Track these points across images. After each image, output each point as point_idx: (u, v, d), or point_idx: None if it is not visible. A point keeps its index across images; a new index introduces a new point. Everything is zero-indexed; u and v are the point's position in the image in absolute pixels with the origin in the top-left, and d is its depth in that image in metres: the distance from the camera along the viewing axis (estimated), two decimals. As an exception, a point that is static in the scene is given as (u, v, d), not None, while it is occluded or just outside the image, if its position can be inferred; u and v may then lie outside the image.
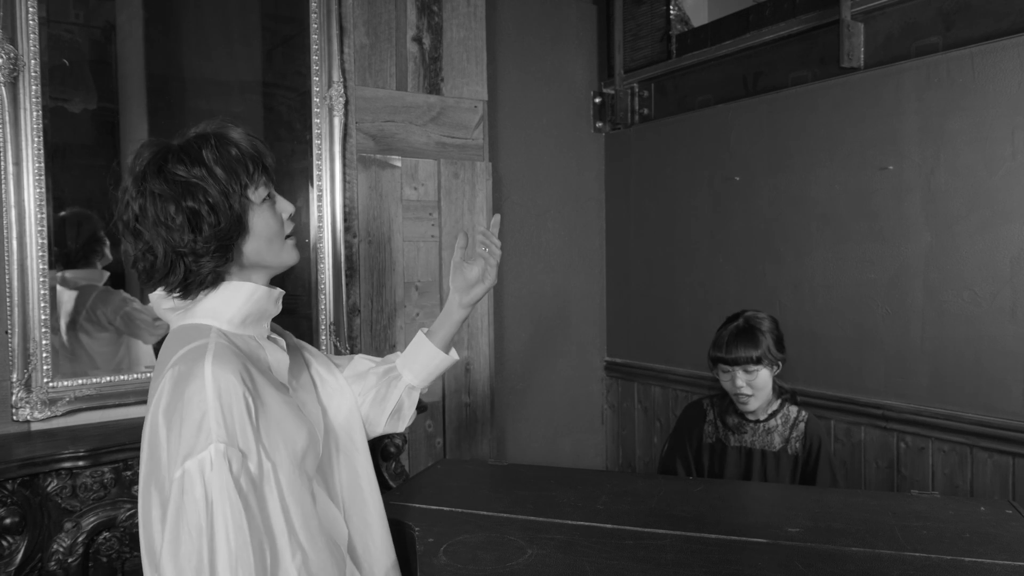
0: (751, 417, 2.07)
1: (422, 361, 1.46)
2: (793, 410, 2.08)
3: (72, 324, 2.10)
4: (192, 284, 1.16)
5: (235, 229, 1.16)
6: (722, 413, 2.12)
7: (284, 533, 1.11)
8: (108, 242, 2.15)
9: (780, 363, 2.06)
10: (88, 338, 2.13)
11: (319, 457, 1.26)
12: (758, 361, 1.98)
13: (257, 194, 1.19)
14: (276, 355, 1.24)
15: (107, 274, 2.14)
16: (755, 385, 2.00)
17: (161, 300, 1.21)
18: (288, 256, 1.25)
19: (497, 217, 1.50)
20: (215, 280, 1.17)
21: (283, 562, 1.10)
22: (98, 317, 2.14)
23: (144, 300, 2.17)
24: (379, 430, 1.48)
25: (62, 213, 2.07)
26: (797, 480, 2.04)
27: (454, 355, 1.50)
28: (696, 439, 2.13)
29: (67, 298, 2.10)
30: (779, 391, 2.10)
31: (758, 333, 2.02)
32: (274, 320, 1.36)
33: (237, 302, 1.18)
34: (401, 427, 1.50)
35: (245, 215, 1.17)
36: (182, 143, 1.17)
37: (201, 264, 1.14)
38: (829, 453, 2.05)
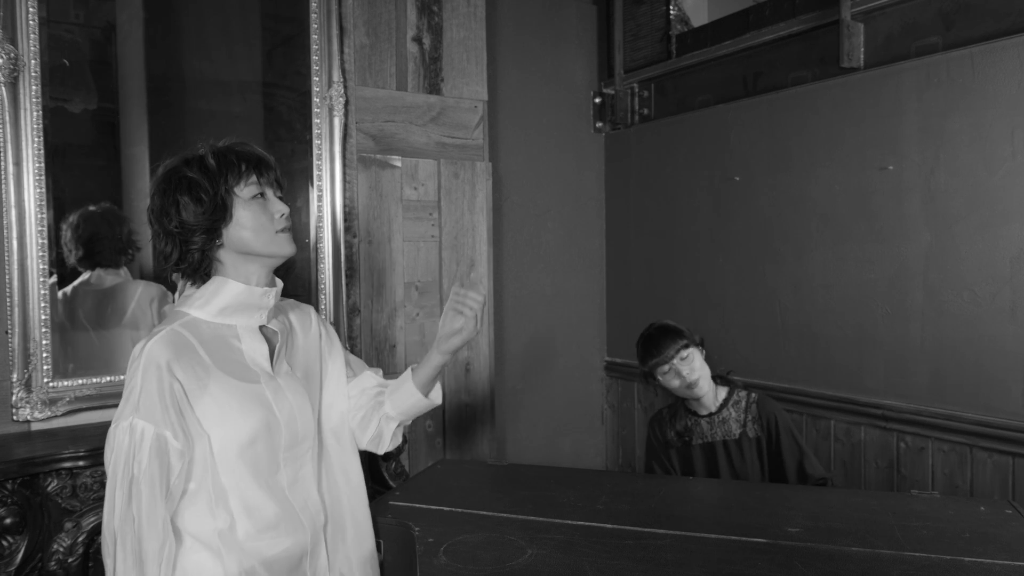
0: (703, 412, 2.11)
1: (402, 396, 1.55)
2: (743, 395, 2.13)
3: (118, 319, 2.14)
4: (189, 267, 1.36)
5: (219, 215, 1.34)
6: (675, 421, 2.16)
7: (213, 499, 1.31)
8: (136, 243, 2.17)
9: (702, 342, 2.14)
10: (135, 332, 2.16)
11: (277, 440, 1.38)
12: (686, 346, 2.08)
13: (245, 191, 1.36)
14: (253, 344, 1.39)
15: (126, 272, 2.18)
16: (695, 367, 2.07)
17: (184, 289, 1.41)
18: (279, 247, 1.38)
19: (477, 270, 1.56)
20: (202, 259, 1.36)
21: (204, 524, 1.30)
22: (142, 311, 2.17)
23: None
24: (362, 446, 1.59)
25: (92, 208, 2.11)
26: (766, 462, 2.06)
27: (434, 399, 1.58)
28: (665, 446, 2.16)
29: (101, 296, 2.13)
30: (718, 379, 2.15)
31: (669, 328, 2.12)
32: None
33: (218, 296, 1.36)
34: (380, 451, 1.60)
35: (230, 205, 1.35)
36: (195, 152, 1.37)
37: (191, 243, 1.34)
38: (788, 426, 2.08)
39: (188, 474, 1.30)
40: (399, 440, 1.62)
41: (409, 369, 1.57)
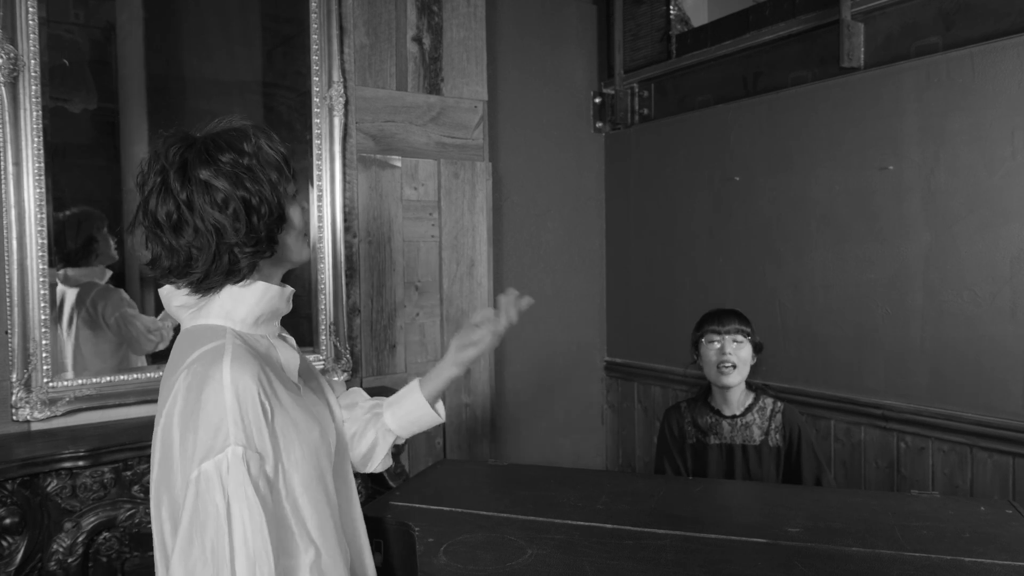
0: (727, 412, 2.09)
1: (406, 407, 1.44)
2: (769, 402, 2.10)
3: (70, 321, 2.11)
4: (228, 274, 1.14)
5: (279, 220, 1.15)
6: (695, 416, 2.14)
7: (296, 532, 1.11)
8: (112, 241, 2.16)
9: (759, 351, 2.12)
10: (89, 333, 2.14)
11: (332, 456, 1.26)
12: (748, 334, 2.07)
13: (291, 187, 1.19)
14: (287, 354, 1.23)
15: (109, 272, 2.15)
16: (740, 357, 2.05)
17: (172, 296, 1.18)
18: (306, 252, 1.26)
19: (527, 300, 1.49)
20: (249, 272, 1.15)
21: (293, 559, 1.10)
22: (97, 313, 2.14)
23: (146, 307, 2.17)
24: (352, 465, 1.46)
25: (68, 212, 2.08)
26: (782, 472, 2.05)
27: (440, 414, 1.46)
28: (680, 440, 2.14)
29: (69, 295, 2.11)
30: (749, 385, 2.13)
31: (741, 314, 2.12)
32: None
33: (250, 302, 1.17)
34: (368, 469, 1.46)
35: (286, 207, 1.17)
36: (216, 133, 1.14)
37: (245, 254, 1.12)
38: (811, 440, 2.07)
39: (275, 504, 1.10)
40: (390, 461, 1.48)
41: (415, 380, 1.46)
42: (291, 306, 1.26)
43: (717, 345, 2.06)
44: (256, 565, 1.01)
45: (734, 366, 2.04)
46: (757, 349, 2.11)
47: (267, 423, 1.07)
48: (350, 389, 1.53)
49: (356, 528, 1.36)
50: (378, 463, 1.45)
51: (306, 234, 1.25)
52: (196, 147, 1.11)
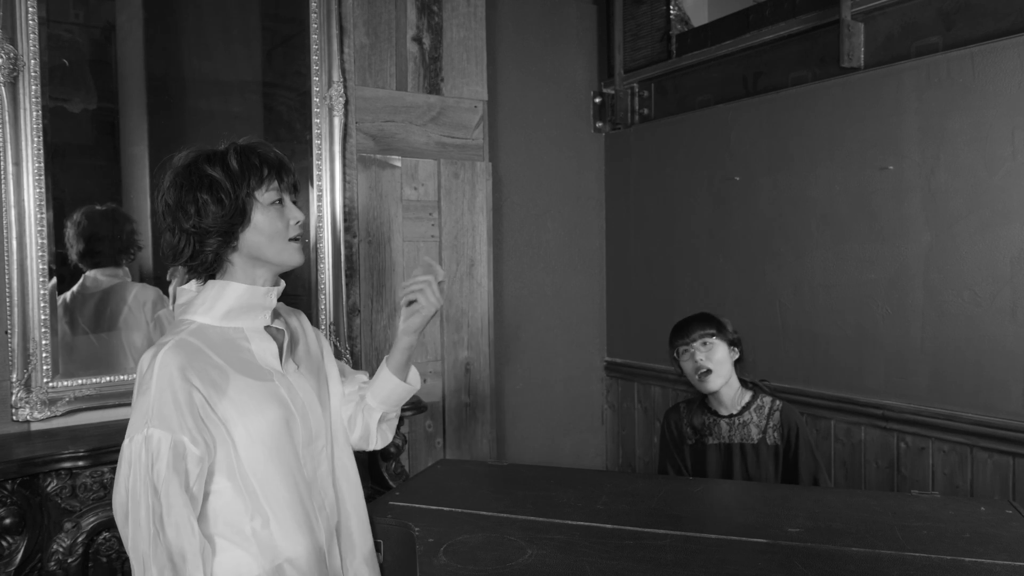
0: (723, 412, 2.09)
1: (379, 384, 1.56)
2: (767, 400, 2.10)
3: (112, 322, 2.14)
4: (200, 265, 1.36)
5: (237, 218, 1.33)
6: (692, 417, 2.14)
7: (241, 500, 1.30)
8: (138, 242, 2.17)
9: (737, 345, 2.11)
10: (129, 334, 2.16)
11: (296, 437, 1.39)
12: (712, 334, 2.05)
13: (265, 196, 1.36)
14: (262, 344, 1.39)
15: (126, 271, 2.18)
16: (714, 359, 2.04)
17: (181, 294, 1.41)
18: (289, 256, 1.39)
19: (426, 260, 1.57)
20: (216, 261, 1.36)
21: (238, 524, 1.30)
22: (143, 312, 2.17)
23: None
24: (353, 445, 1.59)
25: (97, 207, 2.11)
26: (780, 471, 2.05)
27: (412, 383, 1.57)
28: (679, 441, 2.15)
29: (97, 298, 2.13)
30: (745, 384, 2.13)
31: (705, 315, 2.12)
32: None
33: (221, 299, 1.36)
34: (369, 446, 1.60)
35: (249, 209, 1.34)
36: (216, 149, 1.37)
37: (206, 244, 1.33)
38: (808, 439, 2.07)
39: (209, 478, 1.29)
40: (388, 436, 1.61)
41: (384, 359, 1.58)
42: (272, 301, 1.41)
43: (687, 355, 2.07)
44: (151, 514, 1.22)
45: (709, 371, 2.03)
46: (735, 345, 2.10)
47: (191, 406, 1.26)
48: (356, 375, 1.63)
49: (348, 507, 1.50)
50: (375, 440, 1.59)
51: (293, 239, 1.39)
52: (193, 157, 1.35)
